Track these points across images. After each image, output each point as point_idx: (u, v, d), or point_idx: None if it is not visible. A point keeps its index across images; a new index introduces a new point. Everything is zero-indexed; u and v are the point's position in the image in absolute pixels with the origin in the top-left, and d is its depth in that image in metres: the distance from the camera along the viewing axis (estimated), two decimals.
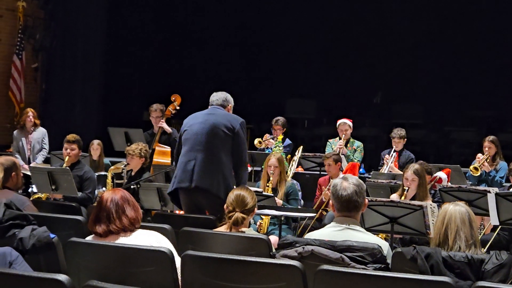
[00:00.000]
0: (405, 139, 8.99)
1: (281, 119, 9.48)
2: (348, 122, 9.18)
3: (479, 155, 8.32)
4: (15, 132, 10.05)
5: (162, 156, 8.86)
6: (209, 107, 5.90)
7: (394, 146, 8.92)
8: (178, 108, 9.16)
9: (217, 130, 5.61)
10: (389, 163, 8.73)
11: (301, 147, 8.90)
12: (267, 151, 9.21)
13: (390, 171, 8.61)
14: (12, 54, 12.02)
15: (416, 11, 12.78)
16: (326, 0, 13.32)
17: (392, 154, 8.82)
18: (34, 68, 12.58)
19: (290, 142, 9.54)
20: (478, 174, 8.18)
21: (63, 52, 12.65)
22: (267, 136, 9.60)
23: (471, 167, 8.24)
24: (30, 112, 9.88)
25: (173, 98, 9.17)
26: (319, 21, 13.40)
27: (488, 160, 8.23)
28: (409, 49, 12.70)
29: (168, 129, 9.00)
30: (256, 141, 9.68)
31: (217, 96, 5.92)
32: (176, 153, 5.89)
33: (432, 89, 12.80)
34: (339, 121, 9.27)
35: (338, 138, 9.27)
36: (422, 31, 12.78)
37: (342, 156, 8.47)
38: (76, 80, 12.76)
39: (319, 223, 7.14)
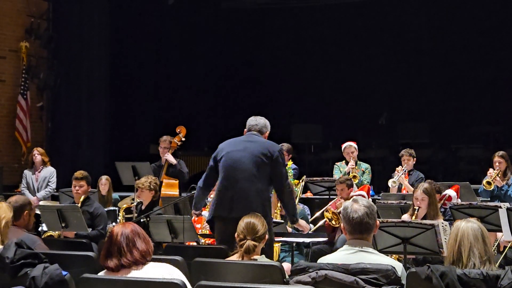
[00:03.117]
0: (415, 159, 8.99)
1: (285, 145, 9.39)
2: (353, 144, 9.22)
3: (491, 170, 8.30)
4: (25, 170, 10.12)
5: (170, 188, 8.87)
6: (245, 131, 5.80)
7: (404, 165, 8.89)
8: (183, 139, 9.19)
9: (256, 159, 5.50)
10: (400, 174, 8.71)
11: (304, 176, 8.94)
12: None
13: (401, 183, 8.65)
14: (17, 94, 12.09)
15: (419, 31, 12.86)
16: (330, 24, 13.42)
17: (403, 169, 8.80)
18: (39, 107, 12.64)
19: (296, 166, 9.51)
20: (491, 188, 8.16)
21: (68, 90, 12.72)
22: None
23: (484, 181, 8.21)
24: (35, 151, 9.95)
25: (178, 130, 9.21)
26: (323, 46, 13.50)
27: (499, 175, 8.21)
28: (412, 68, 12.76)
29: (173, 161, 9.02)
30: None
31: (257, 122, 5.82)
32: (205, 177, 5.73)
33: (437, 107, 12.82)
34: (343, 145, 9.31)
35: (344, 161, 9.28)
36: (426, 49, 12.84)
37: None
38: (82, 117, 12.81)
39: (331, 247, 7.09)
